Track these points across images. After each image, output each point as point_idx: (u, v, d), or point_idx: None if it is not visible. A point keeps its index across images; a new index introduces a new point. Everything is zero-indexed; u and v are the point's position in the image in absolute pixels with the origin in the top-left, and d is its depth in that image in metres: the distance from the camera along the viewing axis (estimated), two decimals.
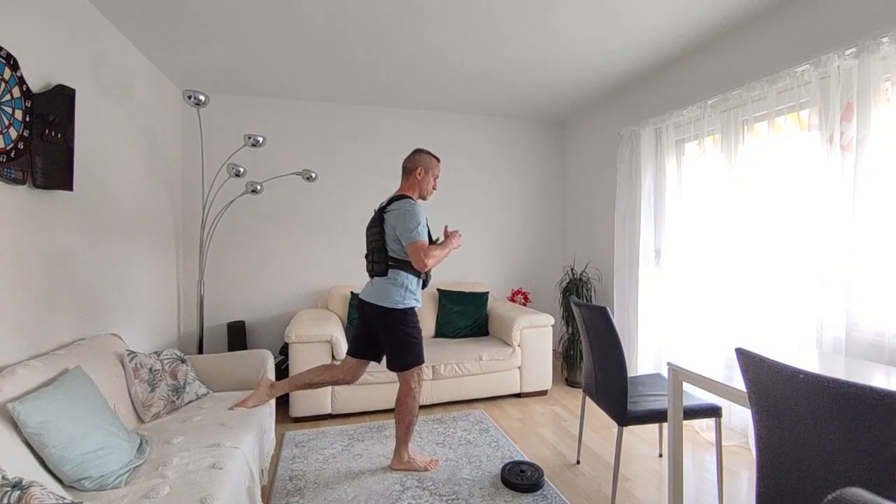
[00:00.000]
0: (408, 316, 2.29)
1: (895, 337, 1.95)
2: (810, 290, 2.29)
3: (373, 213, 2.40)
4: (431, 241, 2.34)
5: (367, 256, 2.38)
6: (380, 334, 2.33)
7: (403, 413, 2.35)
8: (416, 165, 2.38)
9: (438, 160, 2.46)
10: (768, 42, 2.54)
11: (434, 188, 2.45)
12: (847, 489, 0.63)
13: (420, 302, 2.35)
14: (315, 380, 2.45)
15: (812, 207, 2.27)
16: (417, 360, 2.33)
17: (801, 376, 1.06)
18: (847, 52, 2.06)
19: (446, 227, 2.46)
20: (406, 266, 2.25)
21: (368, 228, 2.37)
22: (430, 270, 2.33)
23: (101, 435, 1.60)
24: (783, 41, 2.46)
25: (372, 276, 2.35)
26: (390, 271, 2.27)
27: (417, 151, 2.43)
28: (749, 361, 1.22)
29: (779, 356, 1.82)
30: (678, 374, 1.84)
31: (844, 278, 2.12)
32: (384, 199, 2.43)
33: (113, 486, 1.53)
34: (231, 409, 2.22)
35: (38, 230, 1.95)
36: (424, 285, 2.40)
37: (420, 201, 2.40)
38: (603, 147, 4.09)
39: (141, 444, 1.77)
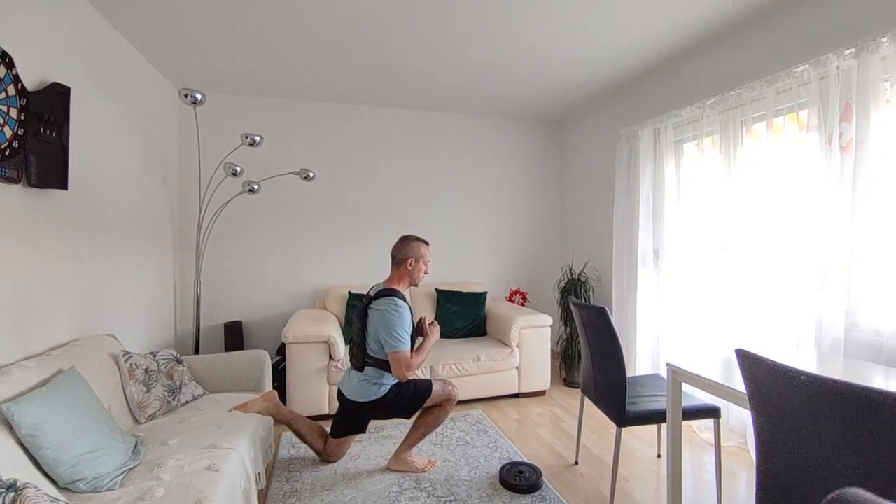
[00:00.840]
0: (387, 396, 2.27)
1: (894, 337, 1.95)
2: (809, 291, 2.29)
3: (362, 301, 2.37)
4: (414, 335, 2.33)
5: (349, 345, 2.39)
6: (369, 419, 2.38)
7: (429, 423, 2.36)
8: (407, 256, 2.35)
9: (427, 244, 2.43)
10: (767, 42, 2.54)
11: (426, 273, 2.43)
12: (847, 489, 0.63)
13: (394, 382, 2.32)
14: (307, 437, 2.45)
15: (811, 208, 2.27)
16: (423, 394, 2.31)
17: (802, 377, 1.05)
18: (846, 52, 2.06)
19: (423, 320, 2.42)
20: (383, 366, 2.25)
21: (354, 318, 2.36)
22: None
23: (95, 436, 1.58)
24: (782, 41, 2.46)
25: (351, 366, 2.38)
26: (367, 369, 2.28)
27: (405, 240, 2.39)
28: (749, 362, 1.21)
29: (777, 356, 1.82)
30: (677, 375, 1.83)
31: (843, 278, 2.12)
32: (371, 287, 2.41)
33: (107, 487, 1.51)
34: (230, 411, 2.21)
35: (33, 229, 1.93)
36: (415, 285, 2.43)
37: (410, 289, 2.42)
38: (601, 147, 4.09)
39: (136, 445, 1.76)
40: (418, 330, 2.40)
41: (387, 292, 2.28)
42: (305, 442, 2.46)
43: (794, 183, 2.38)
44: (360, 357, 2.29)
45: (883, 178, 1.97)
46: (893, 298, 1.95)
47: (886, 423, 0.92)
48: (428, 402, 2.33)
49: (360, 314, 2.32)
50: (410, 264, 2.36)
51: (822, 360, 1.85)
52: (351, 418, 2.37)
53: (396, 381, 2.30)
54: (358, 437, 2.77)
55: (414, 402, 2.32)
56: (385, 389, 2.27)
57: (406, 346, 2.20)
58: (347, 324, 3.50)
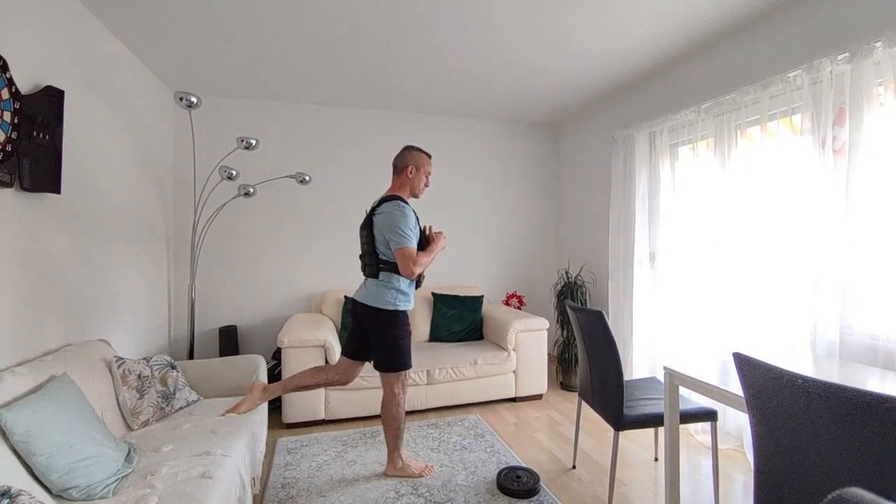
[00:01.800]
0: (398, 318, 2.27)
1: (889, 340, 1.96)
2: (804, 294, 2.30)
3: (367, 214, 2.36)
4: (422, 242, 2.31)
5: (360, 257, 2.36)
6: (370, 334, 2.31)
7: (389, 419, 2.34)
8: (407, 163, 2.35)
9: (430, 156, 2.42)
10: (761, 47, 2.56)
11: (426, 185, 2.42)
12: (847, 489, 0.63)
13: (412, 304, 2.33)
14: (309, 382, 2.41)
15: (805, 211, 2.28)
16: (403, 364, 2.30)
17: (800, 381, 1.06)
18: (839, 57, 2.07)
19: (429, 228, 2.41)
20: (397, 269, 2.23)
21: (360, 229, 2.35)
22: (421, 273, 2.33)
23: (88, 444, 1.56)
24: (776, 46, 2.48)
25: (365, 276, 2.34)
26: (381, 274, 2.25)
27: (407, 149, 2.39)
28: (747, 366, 1.21)
29: (773, 360, 1.82)
30: (674, 379, 1.83)
31: (838, 282, 2.13)
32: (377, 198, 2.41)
33: (100, 496, 1.49)
34: (223, 414, 2.19)
35: (25, 234, 1.91)
36: (417, 286, 2.38)
37: (412, 199, 2.38)
38: (597, 151, 4.10)
39: (129, 452, 1.74)
40: (426, 239, 2.36)
41: (389, 198, 2.27)
42: (314, 387, 2.43)
43: (788, 186, 2.40)
44: (373, 264, 2.26)
45: (876, 182, 1.98)
46: (888, 302, 1.96)
47: (883, 426, 0.92)
48: (393, 373, 2.28)
49: (365, 224, 2.30)
50: (411, 172, 2.34)
51: (818, 364, 1.85)
52: (362, 333, 2.34)
53: (412, 288, 2.30)
54: (354, 441, 2.76)
55: (397, 350, 2.26)
56: (400, 303, 2.25)
57: (412, 243, 2.18)
58: (343, 328, 3.48)
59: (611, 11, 2.45)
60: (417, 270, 2.19)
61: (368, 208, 2.36)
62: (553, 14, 2.47)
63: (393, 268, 2.23)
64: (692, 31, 2.67)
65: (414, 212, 2.26)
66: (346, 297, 3.64)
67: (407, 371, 2.34)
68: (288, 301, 3.97)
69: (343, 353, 2.44)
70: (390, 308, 2.24)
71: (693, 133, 2.93)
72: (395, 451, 2.38)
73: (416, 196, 2.41)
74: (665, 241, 3.19)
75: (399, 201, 2.24)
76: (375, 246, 2.25)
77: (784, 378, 1.10)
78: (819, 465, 1.06)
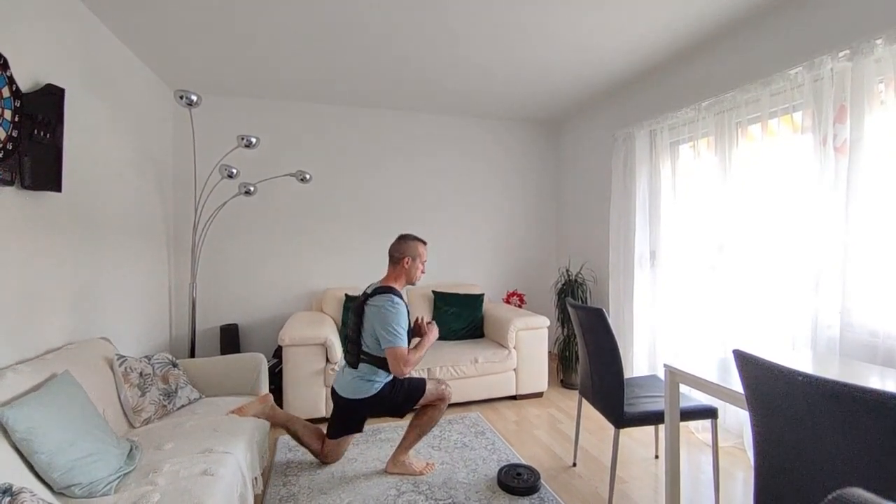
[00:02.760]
0: (381, 393, 2.27)
1: (889, 337, 1.96)
2: (804, 291, 2.30)
3: (359, 298, 2.37)
4: (412, 335, 2.32)
5: (344, 339, 2.39)
6: (364, 417, 2.36)
7: (424, 424, 2.35)
8: (404, 255, 2.35)
9: (425, 244, 2.44)
10: (762, 45, 2.55)
11: (423, 272, 2.43)
12: (847, 489, 0.62)
13: (388, 380, 2.32)
14: (303, 439, 2.43)
15: (805, 209, 2.28)
16: (417, 393, 2.31)
17: (800, 378, 1.06)
18: (840, 54, 2.07)
19: (421, 319, 2.43)
20: (378, 363, 2.23)
21: (351, 312, 2.35)
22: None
23: (89, 441, 1.57)
24: (777, 44, 2.47)
25: (345, 362, 2.37)
26: (361, 365, 2.26)
27: (403, 239, 2.40)
28: (747, 363, 1.22)
29: (774, 357, 1.82)
30: (675, 376, 1.83)
31: (838, 279, 2.13)
32: (369, 286, 2.40)
33: (102, 493, 1.50)
34: (227, 413, 2.19)
35: (26, 232, 1.91)
36: (413, 284, 2.42)
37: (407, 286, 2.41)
38: (598, 149, 4.10)
39: (131, 450, 1.74)
40: (416, 330, 2.39)
41: (384, 289, 2.27)
42: (302, 444, 2.44)
43: (788, 184, 2.40)
44: (355, 353, 2.28)
45: (877, 179, 1.98)
46: (888, 299, 1.96)
47: (883, 423, 0.92)
48: (422, 401, 2.32)
49: (356, 310, 2.31)
50: (408, 263, 2.35)
51: (818, 361, 1.85)
52: (346, 417, 2.36)
53: (390, 378, 2.29)
54: (355, 439, 2.76)
55: (408, 399, 2.31)
56: (379, 386, 2.26)
57: (403, 342, 2.18)
58: (344, 326, 3.48)
59: (610, 9, 2.44)
60: (407, 371, 2.18)
61: (362, 293, 2.37)
62: (552, 12, 2.46)
63: (374, 361, 2.24)
64: (692, 28, 2.66)
65: (406, 305, 2.28)
66: (346, 295, 3.64)
67: (441, 386, 2.37)
68: (289, 299, 3.98)
69: (329, 436, 2.42)
70: (373, 392, 2.26)
71: (693, 131, 2.93)
72: (406, 450, 2.38)
73: (412, 284, 2.42)
74: (665, 239, 3.19)
75: (393, 295, 2.24)
76: (361, 336, 2.26)
77: (784, 375, 1.10)
78: (819, 461, 1.06)
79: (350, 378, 2.29)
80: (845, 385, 0.98)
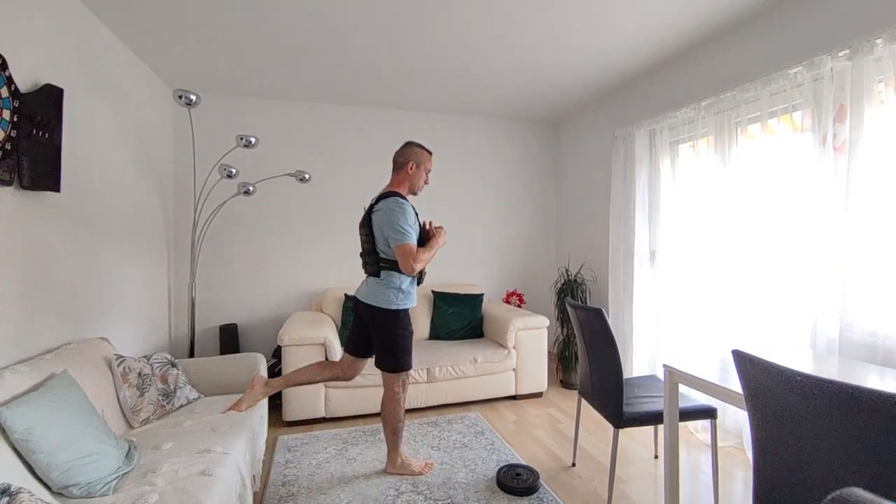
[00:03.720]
0: (400, 318, 2.26)
1: (888, 337, 1.96)
2: (804, 291, 2.29)
3: (365, 212, 2.34)
4: (423, 238, 2.29)
5: (361, 255, 2.35)
6: (372, 332, 2.31)
7: (388, 418, 2.34)
8: (408, 160, 2.33)
9: (430, 153, 2.40)
10: (761, 44, 2.55)
11: (426, 182, 2.40)
12: (847, 489, 0.62)
13: (415, 302, 2.32)
14: (312, 377, 2.42)
15: (805, 208, 2.28)
16: (404, 365, 2.29)
17: (799, 378, 1.06)
18: (840, 53, 2.07)
19: (429, 223, 2.39)
20: (398, 266, 2.21)
21: (360, 227, 2.33)
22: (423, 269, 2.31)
23: (88, 441, 1.56)
24: (776, 43, 2.47)
25: (367, 275, 2.33)
26: (382, 272, 2.24)
27: (408, 144, 2.37)
28: (745, 363, 1.21)
29: (773, 357, 1.82)
30: (674, 376, 1.83)
31: (838, 279, 2.13)
32: (372, 198, 2.37)
33: (101, 493, 1.49)
34: (224, 412, 2.19)
35: (25, 232, 1.91)
36: (419, 282, 2.37)
37: (410, 196, 2.36)
38: (597, 148, 4.10)
39: (129, 450, 1.74)
40: (425, 236, 2.34)
41: (388, 194, 2.25)
42: (316, 382, 2.43)
43: (788, 184, 2.39)
44: (374, 262, 2.25)
45: (876, 179, 1.98)
46: (887, 299, 1.96)
47: (881, 423, 0.92)
48: (394, 374, 2.27)
49: (364, 222, 2.28)
50: (411, 168, 2.33)
51: (818, 361, 1.85)
52: (364, 330, 2.34)
53: (414, 286, 2.29)
54: (354, 439, 2.76)
55: (399, 351, 2.26)
56: (402, 302, 2.23)
57: (411, 239, 2.15)
58: (344, 326, 3.48)
59: (610, 8, 2.44)
60: (418, 267, 2.16)
61: (367, 205, 2.34)
62: (552, 11, 2.46)
63: (394, 266, 2.21)
64: (692, 27, 2.66)
65: (413, 207, 2.24)
66: (346, 294, 3.64)
67: (408, 371, 2.33)
68: (288, 299, 3.98)
69: (346, 350, 2.44)
70: (392, 307, 2.23)
71: (693, 130, 2.92)
72: (395, 450, 2.38)
73: (415, 193, 2.39)
74: (665, 238, 3.18)
75: (397, 197, 2.21)
76: (375, 244, 2.23)
77: (782, 375, 1.10)
78: (818, 461, 1.06)
79: (374, 285, 2.26)
80: (843, 385, 0.98)
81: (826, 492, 1.06)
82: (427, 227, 2.37)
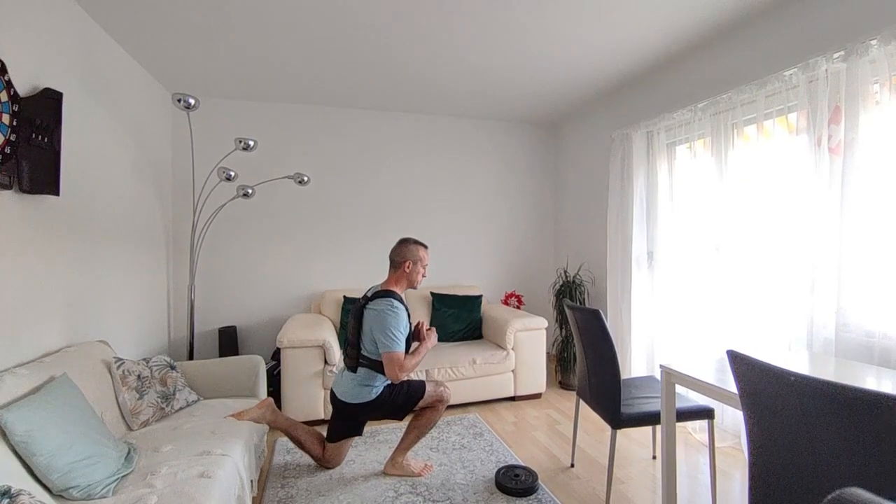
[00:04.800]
0: (380, 397, 2.27)
1: (885, 337, 1.97)
2: (800, 291, 2.30)
3: (358, 302, 2.36)
4: (410, 338, 2.32)
5: (344, 344, 2.39)
6: (363, 420, 2.36)
7: (423, 425, 2.35)
8: (405, 259, 2.35)
9: (426, 248, 2.44)
10: (757, 46, 2.56)
11: (424, 276, 2.42)
12: (847, 489, 0.63)
13: (387, 383, 2.31)
14: (306, 445, 2.41)
15: (801, 209, 2.29)
16: (416, 396, 2.31)
17: (792, 378, 1.06)
18: (835, 55, 2.08)
19: (421, 324, 2.42)
20: (376, 367, 2.23)
21: (350, 317, 2.34)
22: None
23: (88, 444, 1.57)
24: (771, 45, 2.48)
25: (345, 366, 2.36)
26: (359, 370, 2.26)
27: (404, 243, 2.39)
28: (740, 363, 1.22)
29: (770, 357, 1.83)
30: (670, 377, 1.84)
31: (834, 279, 2.13)
32: (369, 289, 2.39)
33: (100, 495, 1.50)
34: (226, 418, 2.19)
35: (24, 235, 1.92)
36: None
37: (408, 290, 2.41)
38: (595, 150, 4.11)
39: (129, 452, 1.75)
40: (415, 334, 2.39)
41: (384, 293, 2.27)
42: (303, 449, 2.44)
43: (784, 185, 2.41)
44: (354, 357, 2.28)
45: (871, 180, 1.99)
46: (883, 299, 1.97)
47: (874, 423, 0.93)
48: (421, 403, 2.32)
49: (356, 314, 2.30)
50: (408, 267, 2.35)
51: (814, 361, 1.86)
52: (345, 420, 2.35)
53: (389, 382, 2.29)
54: (354, 441, 2.76)
55: (407, 402, 2.31)
56: (378, 391, 2.26)
57: (400, 347, 2.18)
58: (342, 328, 3.49)
59: (608, 12, 2.45)
60: (403, 376, 2.18)
61: (362, 297, 2.36)
62: (550, 14, 2.47)
63: (373, 365, 2.24)
64: (688, 30, 2.67)
65: (406, 309, 2.28)
66: (344, 297, 3.65)
67: (440, 388, 2.36)
68: (287, 301, 3.98)
69: (328, 440, 2.41)
70: (371, 398, 2.25)
71: (690, 132, 2.94)
72: (404, 451, 2.39)
73: (413, 288, 2.41)
74: (662, 239, 3.19)
75: (393, 299, 2.24)
76: (361, 339, 2.26)
77: (776, 375, 1.11)
78: (812, 461, 1.07)
79: (349, 382, 2.29)
80: (834, 384, 0.98)
81: (820, 491, 1.06)
82: (419, 327, 2.40)
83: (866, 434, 0.95)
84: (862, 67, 2.00)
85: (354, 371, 2.28)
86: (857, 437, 0.97)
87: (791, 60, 2.33)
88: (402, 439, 2.39)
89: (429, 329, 2.41)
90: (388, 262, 2.43)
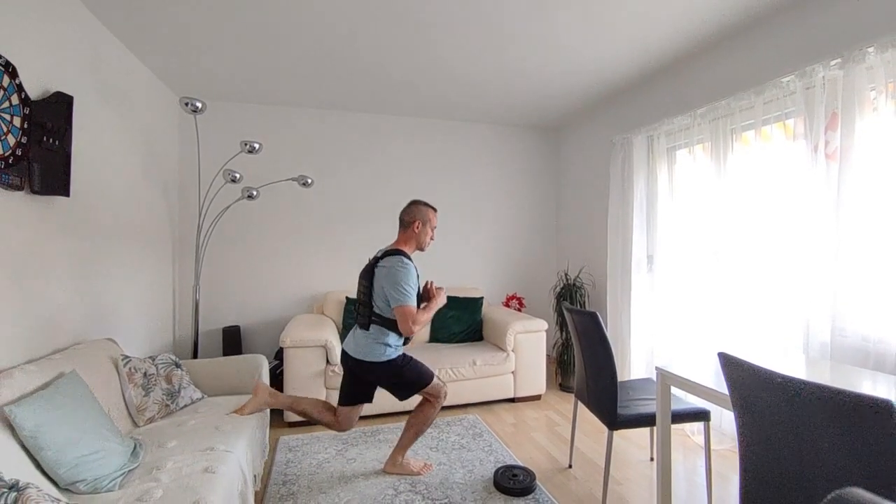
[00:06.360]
0: (395, 363, 2.29)
1: (880, 342, 1.98)
2: (797, 296, 2.33)
3: (369, 262, 2.37)
4: (420, 299, 2.33)
5: (355, 303, 2.40)
6: (376, 383, 2.36)
7: (420, 423, 2.38)
8: (414, 219, 2.37)
9: (435, 210, 2.46)
10: (755, 53, 2.59)
11: (432, 238, 2.44)
12: (847, 489, 0.63)
13: (400, 351, 2.34)
14: (313, 413, 2.43)
15: (798, 214, 2.31)
16: (426, 380, 2.33)
17: (779, 380, 1.09)
18: (832, 62, 2.10)
19: (430, 283, 2.44)
20: (389, 325, 2.24)
21: (360, 277, 2.36)
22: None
23: (95, 439, 1.61)
24: (769, 52, 2.51)
25: (356, 325, 2.37)
26: (372, 327, 2.27)
27: (414, 204, 2.42)
28: (730, 365, 1.25)
29: (766, 361, 1.85)
30: (666, 379, 1.86)
31: (830, 284, 2.15)
32: (378, 250, 2.41)
33: (107, 489, 1.54)
34: (228, 414, 2.23)
35: (35, 235, 1.97)
36: (406, 342, 2.38)
37: (417, 251, 2.41)
38: (596, 154, 4.14)
39: (135, 447, 1.79)
40: (425, 294, 2.39)
41: (394, 251, 2.29)
42: (314, 420, 2.44)
43: (782, 190, 2.43)
44: (366, 315, 2.28)
45: (867, 186, 2.01)
46: (879, 304, 1.98)
47: (863, 426, 0.95)
48: (427, 389, 2.33)
49: (366, 273, 2.31)
50: (417, 227, 2.37)
51: (810, 365, 1.88)
52: (356, 381, 2.36)
53: (401, 341, 2.31)
54: (355, 440, 2.80)
55: (415, 380, 2.31)
56: (392, 354, 2.27)
57: (412, 301, 2.19)
58: (345, 328, 3.52)
59: (608, 18, 2.49)
60: (416, 329, 2.19)
61: (371, 257, 2.38)
62: (551, 19, 2.51)
63: (385, 323, 2.25)
64: (687, 37, 2.70)
65: (416, 268, 2.29)
66: (347, 297, 3.69)
67: (441, 383, 2.39)
68: (290, 302, 4.03)
69: (339, 404, 2.43)
70: (384, 360, 2.26)
71: (690, 137, 2.96)
72: (403, 450, 2.42)
73: (422, 249, 2.43)
74: (662, 243, 3.22)
75: (402, 256, 2.26)
76: (372, 297, 2.28)
77: (764, 377, 1.13)
78: (801, 463, 1.09)
79: (362, 339, 2.29)
80: (823, 387, 1.01)
81: (810, 492, 1.09)
82: (428, 286, 2.41)
83: (852, 435, 0.97)
84: (859, 74, 2.02)
85: (367, 328, 2.28)
86: (844, 439, 0.99)
87: (788, 67, 2.35)
88: (401, 438, 2.42)
89: (438, 288, 2.42)
90: None
